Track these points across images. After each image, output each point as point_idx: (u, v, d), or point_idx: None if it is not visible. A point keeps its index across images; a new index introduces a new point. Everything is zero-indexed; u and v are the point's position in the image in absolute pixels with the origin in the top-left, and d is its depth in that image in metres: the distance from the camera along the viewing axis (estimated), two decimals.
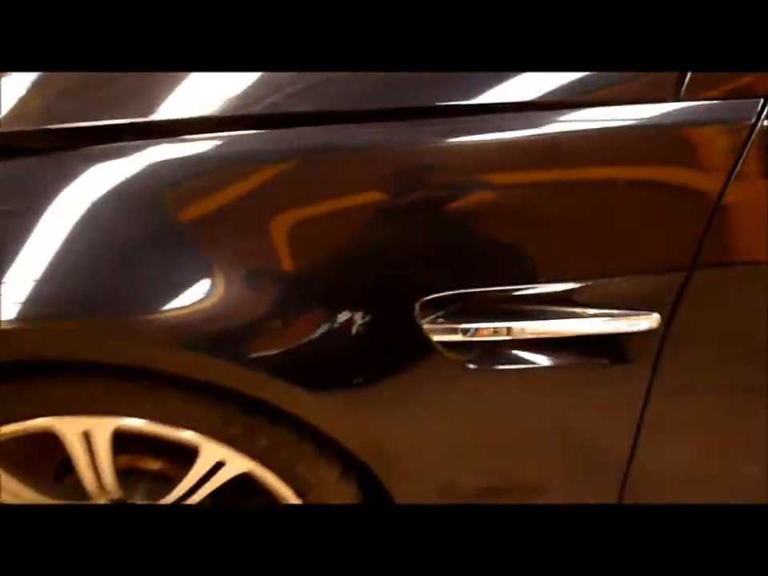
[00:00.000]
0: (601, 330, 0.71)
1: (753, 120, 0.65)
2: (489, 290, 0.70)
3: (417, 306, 0.70)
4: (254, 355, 0.69)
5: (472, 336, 0.71)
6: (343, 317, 0.69)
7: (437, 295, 0.70)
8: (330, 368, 0.72)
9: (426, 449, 0.81)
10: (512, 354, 0.73)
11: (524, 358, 0.73)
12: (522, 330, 0.71)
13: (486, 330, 0.71)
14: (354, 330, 0.70)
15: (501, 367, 0.73)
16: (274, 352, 0.70)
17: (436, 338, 0.71)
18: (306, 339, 0.70)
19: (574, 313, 0.71)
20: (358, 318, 0.70)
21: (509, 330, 0.71)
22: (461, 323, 0.71)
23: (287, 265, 0.69)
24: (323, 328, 0.69)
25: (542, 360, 0.73)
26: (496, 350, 0.73)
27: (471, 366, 0.72)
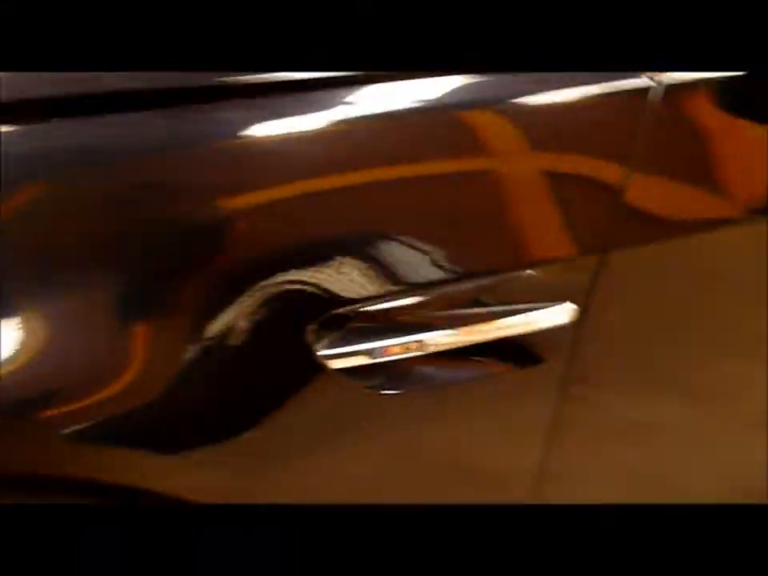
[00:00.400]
0: (520, 329, 0.63)
1: (647, 84, 0.61)
2: (389, 301, 0.59)
3: (308, 329, 0.57)
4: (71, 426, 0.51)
5: (379, 357, 0.60)
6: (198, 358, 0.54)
7: (328, 315, 0.58)
8: (187, 424, 0.57)
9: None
10: (426, 372, 0.63)
11: (440, 374, 0.63)
12: (436, 342, 0.61)
13: (396, 348, 0.60)
14: (220, 371, 0.56)
15: (416, 388, 0.63)
16: (102, 416, 0.52)
17: (335, 364, 0.59)
18: (151, 394, 0.53)
19: (488, 314, 0.62)
20: (225, 354, 0.55)
21: (420, 343, 0.60)
22: (364, 343, 0.59)
23: (102, 297, 0.50)
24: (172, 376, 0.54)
25: (461, 372, 0.64)
26: (408, 369, 0.62)
27: (385, 391, 0.61)
